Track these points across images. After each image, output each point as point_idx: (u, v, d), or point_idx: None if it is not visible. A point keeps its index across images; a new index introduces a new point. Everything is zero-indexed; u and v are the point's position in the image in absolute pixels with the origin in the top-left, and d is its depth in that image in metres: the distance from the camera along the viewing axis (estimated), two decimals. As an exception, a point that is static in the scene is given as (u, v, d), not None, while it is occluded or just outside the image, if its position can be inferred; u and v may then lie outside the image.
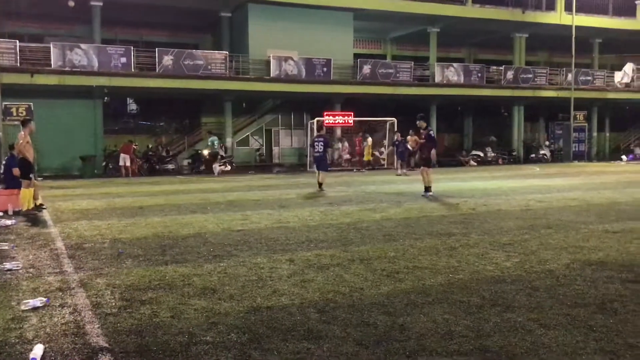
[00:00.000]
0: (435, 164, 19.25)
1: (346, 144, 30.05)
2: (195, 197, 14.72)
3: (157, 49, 26.07)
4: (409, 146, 28.15)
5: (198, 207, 12.49)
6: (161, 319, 4.74)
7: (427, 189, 14.44)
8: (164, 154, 28.40)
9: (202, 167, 27.02)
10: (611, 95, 36.53)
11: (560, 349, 4.00)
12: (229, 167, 26.78)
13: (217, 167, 25.98)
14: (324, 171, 16.83)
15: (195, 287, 5.72)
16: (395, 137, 25.67)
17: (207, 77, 26.59)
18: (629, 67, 37.32)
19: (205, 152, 27.13)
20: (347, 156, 29.99)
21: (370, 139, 28.32)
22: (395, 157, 25.92)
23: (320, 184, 16.39)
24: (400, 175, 23.13)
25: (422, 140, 14.85)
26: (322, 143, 16.61)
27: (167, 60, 25.94)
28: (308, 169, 27.80)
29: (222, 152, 27.06)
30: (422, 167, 14.80)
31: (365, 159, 28.25)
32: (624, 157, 35.17)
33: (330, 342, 4.18)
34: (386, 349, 4.04)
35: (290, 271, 6.33)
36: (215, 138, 27.32)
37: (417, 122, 14.89)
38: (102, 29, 27.51)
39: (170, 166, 27.72)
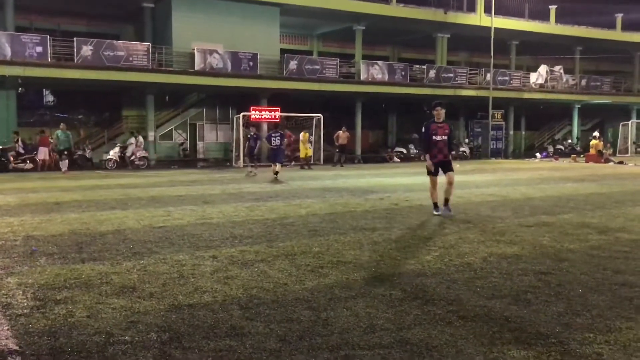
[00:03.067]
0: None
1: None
2: (115, 193, 14.27)
3: (75, 39, 25.06)
4: (338, 142, 28.16)
5: (118, 203, 12.10)
6: (77, 318, 4.56)
7: (446, 201, 10.26)
8: (21, 150, 24.73)
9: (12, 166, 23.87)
10: (527, 95, 38.19)
11: (478, 340, 4.12)
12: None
13: (64, 163, 22.74)
14: (280, 163, 19.34)
15: (113, 285, 5.53)
16: (252, 132, 22.38)
17: (128, 69, 25.79)
18: (543, 69, 39.16)
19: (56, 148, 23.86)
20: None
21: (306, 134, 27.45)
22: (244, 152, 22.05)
23: (276, 172, 18.73)
24: (252, 174, 20.60)
25: (442, 137, 10.15)
26: (278, 137, 19.18)
27: (86, 50, 24.98)
28: (234, 164, 27.55)
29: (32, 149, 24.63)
30: (448, 173, 10.14)
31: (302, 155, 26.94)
32: (538, 154, 36.84)
33: (254, 338, 4.15)
34: (309, 344, 4.04)
35: (213, 268, 6.24)
36: (69, 134, 23.30)
37: (435, 110, 10.28)
38: (16, 16, 26.17)
39: (27, 165, 24.16)
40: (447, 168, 10.21)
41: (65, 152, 22.82)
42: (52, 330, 4.29)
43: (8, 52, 23.60)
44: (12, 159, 24.05)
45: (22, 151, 24.59)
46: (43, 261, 6.57)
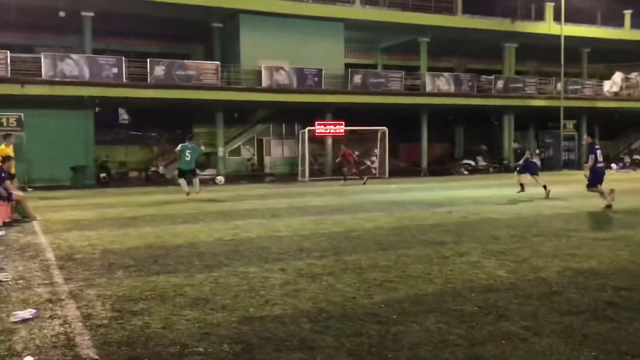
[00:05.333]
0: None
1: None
2: (187, 207, 14.66)
3: (148, 60, 26.05)
4: None
5: (190, 217, 12.43)
6: (153, 329, 4.70)
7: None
8: None
9: None
10: (600, 104, 36.79)
11: (554, 357, 3.99)
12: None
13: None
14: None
15: (187, 297, 5.68)
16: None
17: (198, 88, 26.58)
18: (617, 76, 37.65)
19: None
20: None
21: None
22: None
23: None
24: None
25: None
26: None
27: (159, 70, 25.92)
28: (299, 178, 27.81)
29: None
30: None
31: None
32: (613, 165, 35.34)
33: (324, 352, 4.16)
34: (380, 359, 4.01)
35: (282, 281, 6.30)
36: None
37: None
38: (94, 39, 27.45)
39: None
40: None
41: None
42: (129, 341, 4.44)
43: (86, 74, 24.78)
44: None
45: None
46: (120, 274, 6.82)
